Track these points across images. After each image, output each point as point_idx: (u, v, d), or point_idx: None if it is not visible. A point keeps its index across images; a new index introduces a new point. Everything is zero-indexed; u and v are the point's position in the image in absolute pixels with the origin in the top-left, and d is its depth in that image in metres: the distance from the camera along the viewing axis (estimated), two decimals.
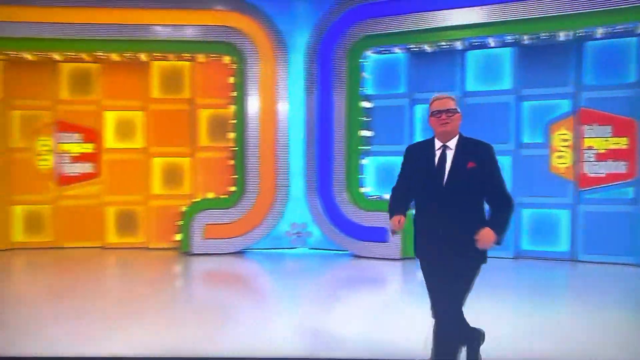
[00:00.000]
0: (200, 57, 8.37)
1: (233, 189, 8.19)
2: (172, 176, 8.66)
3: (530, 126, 7.69)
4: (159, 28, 8.04)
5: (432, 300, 2.98)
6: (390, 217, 3.07)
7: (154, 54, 8.33)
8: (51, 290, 6.01)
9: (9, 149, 8.55)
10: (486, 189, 2.92)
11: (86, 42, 8.06)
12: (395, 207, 3.09)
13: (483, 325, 3.34)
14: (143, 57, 8.38)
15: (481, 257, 2.95)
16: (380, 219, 7.54)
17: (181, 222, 8.14)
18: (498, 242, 2.84)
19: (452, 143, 2.95)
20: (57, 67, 8.58)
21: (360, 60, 7.94)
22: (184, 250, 8.07)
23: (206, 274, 7.19)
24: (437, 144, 2.98)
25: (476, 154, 2.91)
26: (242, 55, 8.05)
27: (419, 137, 8.15)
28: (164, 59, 8.45)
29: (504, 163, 7.65)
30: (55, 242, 8.64)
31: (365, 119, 8.02)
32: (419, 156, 3.04)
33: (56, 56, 8.37)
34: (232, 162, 8.23)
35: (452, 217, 2.88)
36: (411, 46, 7.83)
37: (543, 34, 7.25)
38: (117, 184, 8.65)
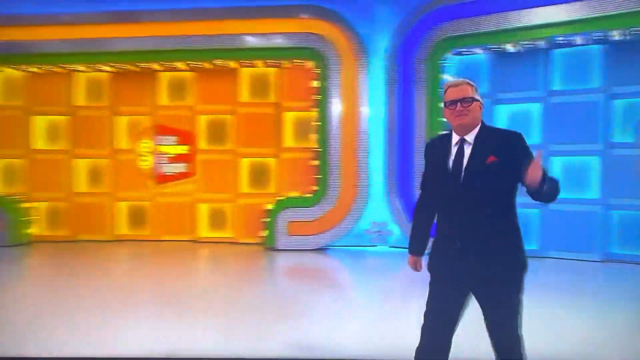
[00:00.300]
0: (286, 63, 8.81)
1: (316, 188, 8.54)
2: (258, 176, 9.18)
3: (621, 125, 7.40)
4: (247, 37, 8.56)
5: (432, 330, 2.52)
6: (409, 250, 2.78)
7: (243, 62, 8.87)
8: (152, 279, 6.66)
9: (115, 150, 9.46)
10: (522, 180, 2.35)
11: (182, 53, 8.74)
12: (414, 238, 2.76)
13: (562, 333, 3.31)
14: (232, 64, 8.96)
15: (517, 264, 2.43)
16: None
17: (267, 219, 8.61)
18: (540, 189, 2.24)
19: (472, 136, 2.48)
20: (157, 77, 9.37)
21: (441, 62, 8.02)
22: (269, 246, 8.53)
23: (288, 269, 7.59)
24: (455, 138, 2.52)
25: (499, 146, 2.40)
26: (325, 60, 8.39)
27: None
28: (252, 65, 8.98)
29: (592, 163, 7.43)
30: (152, 235, 9.43)
31: (445, 119, 8.06)
32: (435, 154, 2.60)
33: (155, 66, 9.15)
34: (315, 162, 8.58)
35: (471, 225, 2.41)
36: (493, 46, 7.80)
37: (635, 29, 6.96)
38: (208, 183, 9.31)
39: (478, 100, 2.50)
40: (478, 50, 7.99)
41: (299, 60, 8.67)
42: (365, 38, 8.43)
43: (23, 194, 9.38)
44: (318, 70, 8.49)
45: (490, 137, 2.47)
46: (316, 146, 8.56)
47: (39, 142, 9.53)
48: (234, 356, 3.77)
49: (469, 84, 2.51)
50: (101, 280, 6.56)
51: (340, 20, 8.43)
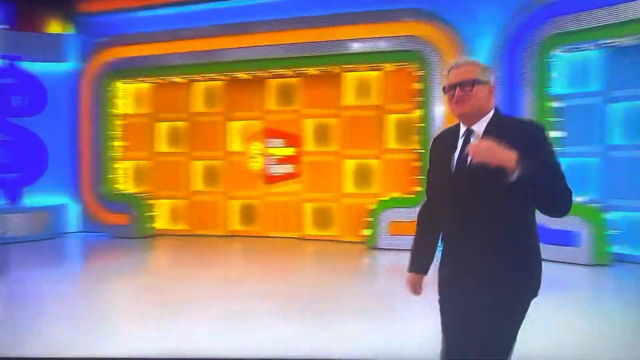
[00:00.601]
0: (388, 66, 9.02)
1: (418, 189, 8.67)
2: (361, 176, 9.48)
3: None
4: (352, 43, 8.84)
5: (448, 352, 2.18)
6: (408, 267, 2.36)
7: (347, 66, 9.19)
8: (262, 274, 7.16)
9: (229, 153, 10.22)
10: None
11: (289, 60, 9.23)
12: (415, 252, 2.37)
13: None
14: (336, 69, 9.32)
15: (518, 285, 2.02)
16: (567, 222, 7.25)
17: (369, 219, 8.88)
18: (514, 171, 1.84)
19: (480, 126, 2.09)
20: (266, 83, 9.98)
21: (548, 60, 7.80)
22: (371, 245, 8.78)
23: (390, 268, 7.76)
24: (462, 128, 2.14)
25: (513, 140, 1.88)
26: (427, 62, 8.48)
27: (615, 138, 7.70)
28: (355, 70, 9.29)
29: None
30: (261, 232, 10.06)
31: (555, 119, 7.83)
32: (440, 149, 2.21)
33: (264, 74, 9.75)
34: (417, 163, 8.71)
35: (475, 232, 2.04)
36: (605, 41, 7.46)
37: None
38: (314, 183, 9.76)
39: (485, 83, 2.08)
40: (589, 46, 7.68)
41: (401, 63, 8.83)
42: (467, 38, 8.41)
43: (149, 192, 10.43)
44: (420, 72, 8.60)
45: (504, 129, 2.02)
46: (418, 147, 8.68)
47: (162, 145, 10.54)
48: (231, 356, 3.84)
49: (473, 63, 2.10)
50: (216, 272, 7.19)
51: (442, 21, 8.48)
